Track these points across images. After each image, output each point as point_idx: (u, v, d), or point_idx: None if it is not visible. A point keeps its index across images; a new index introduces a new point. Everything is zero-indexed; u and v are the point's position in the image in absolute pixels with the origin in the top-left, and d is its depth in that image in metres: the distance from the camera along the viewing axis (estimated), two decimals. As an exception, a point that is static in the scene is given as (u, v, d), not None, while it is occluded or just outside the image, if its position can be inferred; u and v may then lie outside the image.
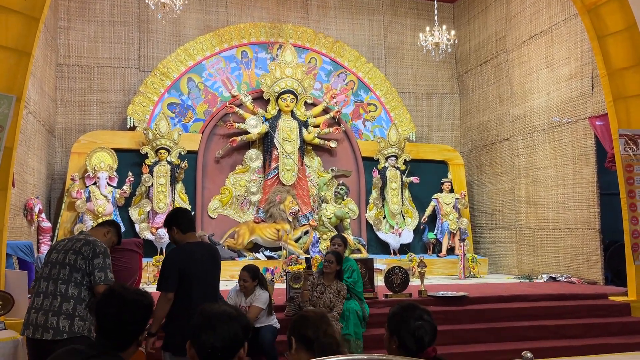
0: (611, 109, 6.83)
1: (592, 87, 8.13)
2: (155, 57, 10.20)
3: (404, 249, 9.90)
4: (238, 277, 4.83)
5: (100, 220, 8.50)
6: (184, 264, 3.43)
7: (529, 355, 2.01)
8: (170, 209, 9.07)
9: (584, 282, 7.99)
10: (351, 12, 11.44)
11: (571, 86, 8.54)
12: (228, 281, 6.85)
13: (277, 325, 4.90)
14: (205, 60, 10.10)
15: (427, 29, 9.02)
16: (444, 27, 9.06)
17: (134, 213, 9.08)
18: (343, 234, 8.39)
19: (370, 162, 10.39)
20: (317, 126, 10.12)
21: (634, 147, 6.68)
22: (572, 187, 8.49)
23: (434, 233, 10.24)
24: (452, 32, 8.99)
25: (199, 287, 3.46)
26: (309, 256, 7.97)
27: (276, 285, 6.53)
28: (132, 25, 10.19)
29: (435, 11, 9.53)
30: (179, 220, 3.59)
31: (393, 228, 10.05)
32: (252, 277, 4.76)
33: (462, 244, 9.24)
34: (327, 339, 2.12)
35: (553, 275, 8.46)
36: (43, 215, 8.11)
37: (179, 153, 9.32)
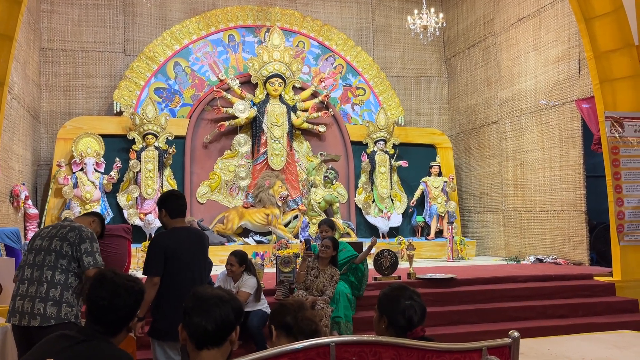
0: (597, 92, 6.89)
1: (579, 70, 8.17)
2: (141, 41, 10.06)
3: (393, 232, 9.97)
4: (226, 262, 4.84)
5: (88, 207, 8.48)
6: (170, 248, 3.42)
7: (516, 334, 2.04)
8: (159, 194, 9.03)
9: (570, 263, 8.11)
10: (339, -5, 11.35)
11: (558, 69, 8.57)
12: (217, 266, 6.85)
13: (268, 311, 4.91)
14: (192, 44, 9.99)
15: (416, 12, 8.98)
16: (432, 10, 9.03)
17: (122, 199, 9.03)
18: (330, 219, 8.42)
19: (359, 146, 10.39)
20: (305, 110, 10.08)
21: (620, 130, 6.75)
22: (558, 169, 8.57)
23: (423, 216, 10.31)
24: (441, 15, 8.96)
25: (186, 272, 3.45)
26: (308, 238, 7.97)
27: (266, 270, 6.56)
28: (117, 9, 10.02)
29: (424, -6, 9.47)
30: (167, 204, 3.58)
31: (382, 212, 10.10)
32: (240, 262, 4.76)
33: (450, 227, 9.32)
34: (305, 322, 2.16)
35: (540, 257, 8.58)
36: (30, 201, 8.04)
37: (167, 138, 9.25)
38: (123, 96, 9.50)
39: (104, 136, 9.01)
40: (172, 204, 3.58)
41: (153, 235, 8.81)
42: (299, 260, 5.46)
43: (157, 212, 3.62)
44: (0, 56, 5.15)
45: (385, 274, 6.28)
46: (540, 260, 8.48)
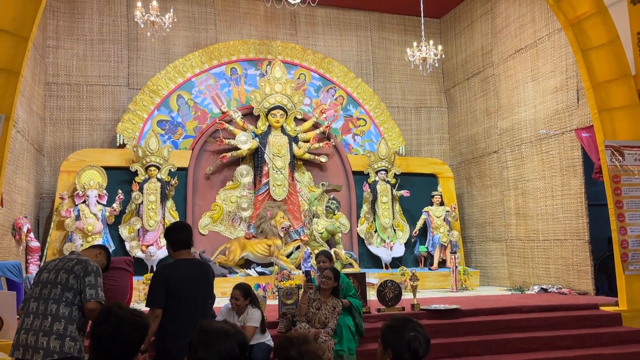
0: (596, 121, 6.94)
1: (578, 100, 8.26)
2: (145, 74, 10.21)
3: (395, 262, 9.91)
4: (230, 296, 4.79)
5: (90, 239, 8.47)
6: (172, 280, 3.41)
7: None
8: (161, 226, 9.05)
9: (575, 292, 8.04)
10: (339, 29, 11.57)
11: (557, 99, 8.67)
12: (219, 298, 6.78)
13: (271, 343, 4.85)
14: (195, 77, 10.14)
15: (415, 44, 9.13)
16: (431, 42, 9.19)
17: (124, 231, 9.02)
18: (328, 250, 8.38)
19: (360, 176, 10.42)
20: (307, 141, 10.16)
21: (620, 158, 6.78)
22: (560, 198, 8.57)
23: (425, 246, 10.27)
24: (439, 47, 9.11)
25: (188, 305, 3.43)
26: (309, 269, 7.93)
27: (268, 302, 6.50)
28: (122, 44, 10.21)
29: (422, 27, 9.66)
30: (169, 237, 3.60)
31: (384, 242, 10.06)
32: (244, 296, 4.72)
33: (453, 257, 9.27)
34: (309, 355, 2.15)
35: (544, 287, 8.51)
36: (32, 234, 8.03)
37: (169, 170, 9.29)
38: (126, 129, 9.59)
39: (106, 168, 9.06)
40: (174, 235, 3.59)
41: (154, 267, 8.77)
42: (301, 291, 5.41)
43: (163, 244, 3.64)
44: (7, 91, 5.23)
45: (388, 305, 6.22)
46: (545, 290, 8.41)
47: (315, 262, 9.13)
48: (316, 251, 9.34)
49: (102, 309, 2.14)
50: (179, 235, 3.60)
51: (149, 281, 8.21)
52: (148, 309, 3.42)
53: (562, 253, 8.51)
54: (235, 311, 4.76)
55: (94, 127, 9.95)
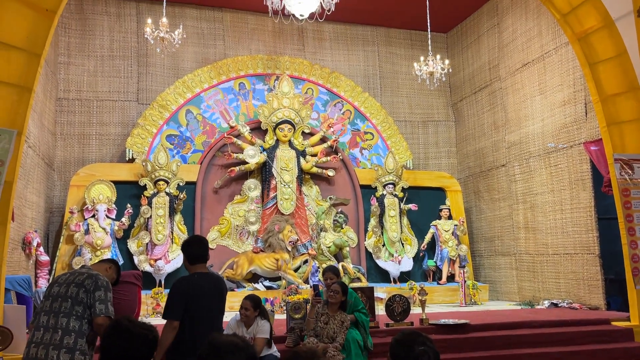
0: (605, 134, 6.91)
1: (586, 113, 8.24)
2: (154, 90, 10.33)
3: (404, 276, 9.86)
4: (239, 307, 4.78)
5: (99, 253, 8.50)
6: (190, 293, 3.49)
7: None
8: (169, 240, 9.08)
9: (586, 307, 7.95)
10: (346, 44, 11.66)
11: (565, 112, 8.66)
12: (227, 312, 6.79)
13: (278, 355, 4.85)
14: (204, 92, 10.23)
15: (422, 58, 9.18)
16: (438, 56, 9.22)
17: (132, 245, 9.05)
18: (335, 265, 8.35)
19: (368, 190, 10.43)
20: (314, 155, 10.19)
21: (630, 172, 6.73)
22: (570, 212, 8.52)
23: (434, 260, 10.21)
24: (446, 62, 9.15)
25: (204, 318, 3.50)
26: (317, 283, 7.89)
27: (276, 316, 6.48)
28: (132, 59, 10.34)
29: (429, 41, 9.71)
30: (187, 250, 3.69)
31: (392, 256, 10.02)
32: (254, 307, 4.70)
33: (462, 271, 9.21)
34: None
35: (555, 302, 8.42)
36: (41, 248, 8.08)
37: (178, 184, 9.34)
38: (135, 143, 9.67)
39: (116, 183, 9.12)
40: (190, 249, 3.68)
41: (163, 281, 8.80)
42: (309, 306, 5.40)
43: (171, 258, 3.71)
44: (19, 107, 5.30)
45: (397, 320, 6.18)
46: (555, 305, 8.32)
47: (322, 278, 9.13)
48: (324, 265, 9.33)
49: (112, 322, 2.16)
50: (196, 249, 3.69)
51: (157, 295, 8.24)
52: (165, 320, 3.48)
53: (573, 267, 8.43)
54: (244, 323, 4.73)
55: (103, 142, 10.05)
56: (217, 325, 3.61)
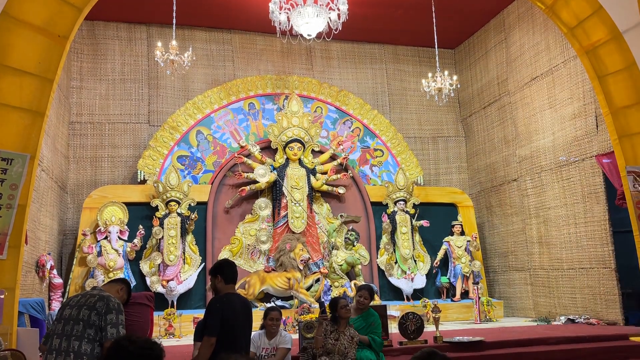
0: (617, 147, 6.84)
1: (597, 126, 8.19)
2: (165, 111, 10.45)
3: (417, 294, 9.76)
4: (269, 319, 4.96)
5: (111, 275, 8.52)
6: (226, 311, 3.71)
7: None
8: (181, 261, 9.11)
9: (604, 323, 7.80)
10: (354, 62, 11.74)
11: (575, 125, 8.61)
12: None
13: None
14: (214, 113, 10.32)
15: (430, 75, 9.21)
16: (446, 72, 9.25)
17: (144, 266, 9.08)
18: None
19: (379, 207, 10.40)
20: (324, 173, 10.21)
21: (643, 184, 6.64)
22: (583, 225, 8.42)
23: (447, 277, 10.11)
24: (455, 77, 9.16)
25: (237, 336, 3.73)
26: (322, 300, 7.85)
27: (289, 336, 6.43)
28: (142, 82, 10.49)
29: (437, 57, 9.75)
30: (224, 271, 3.91)
31: (405, 273, 9.94)
32: (280, 318, 5.01)
33: (476, 288, 9.10)
34: None
35: (571, 317, 8.28)
36: (54, 271, 8.13)
37: (189, 204, 9.39)
38: (147, 165, 9.76)
39: (128, 204, 9.18)
40: (227, 270, 3.93)
41: (175, 302, 8.81)
42: (317, 323, 5.37)
43: (210, 278, 3.96)
44: (33, 131, 5.38)
45: (410, 338, 6.12)
46: (572, 321, 8.18)
47: (335, 295, 9.06)
48: (336, 284, 9.29)
49: (111, 344, 2.15)
50: (229, 270, 3.94)
51: (170, 316, 8.21)
52: (205, 336, 3.65)
53: (589, 282, 8.30)
54: (266, 335, 4.91)
55: (115, 164, 10.16)
56: (247, 340, 3.96)
